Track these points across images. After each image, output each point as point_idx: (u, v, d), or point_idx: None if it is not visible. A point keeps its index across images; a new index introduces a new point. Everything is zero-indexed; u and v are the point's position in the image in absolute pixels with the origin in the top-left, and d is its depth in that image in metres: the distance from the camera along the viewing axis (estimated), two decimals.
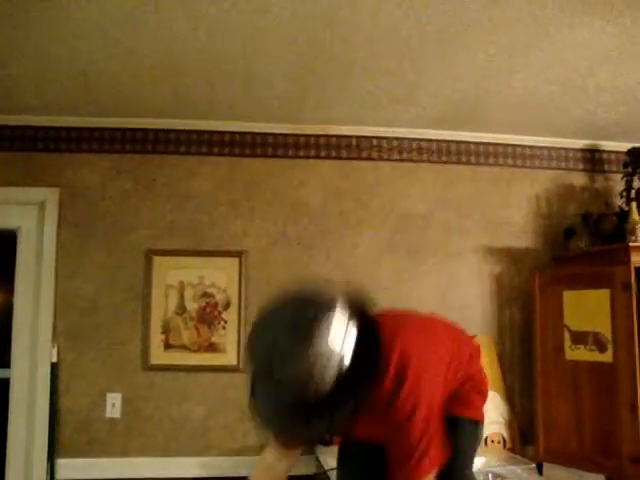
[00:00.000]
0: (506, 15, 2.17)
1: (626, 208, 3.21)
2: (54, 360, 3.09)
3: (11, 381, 3.12)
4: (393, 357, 1.46)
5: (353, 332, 1.27)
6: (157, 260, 3.17)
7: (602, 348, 3.00)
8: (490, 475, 2.39)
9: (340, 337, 1.23)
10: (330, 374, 1.20)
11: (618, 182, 3.41)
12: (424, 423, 1.44)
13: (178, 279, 3.18)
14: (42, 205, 3.20)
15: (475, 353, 1.85)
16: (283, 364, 1.19)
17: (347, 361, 1.23)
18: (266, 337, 1.25)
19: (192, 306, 3.17)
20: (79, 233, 3.18)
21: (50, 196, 3.19)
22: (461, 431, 1.70)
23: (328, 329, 1.22)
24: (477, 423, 1.79)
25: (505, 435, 3.25)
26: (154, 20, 2.20)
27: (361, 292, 1.40)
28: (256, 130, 3.29)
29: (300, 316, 1.25)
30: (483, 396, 1.83)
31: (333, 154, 3.35)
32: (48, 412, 3.05)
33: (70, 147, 3.23)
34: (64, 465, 3.04)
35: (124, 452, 3.10)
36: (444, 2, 2.09)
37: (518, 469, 2.43)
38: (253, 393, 1.32)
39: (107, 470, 3.06)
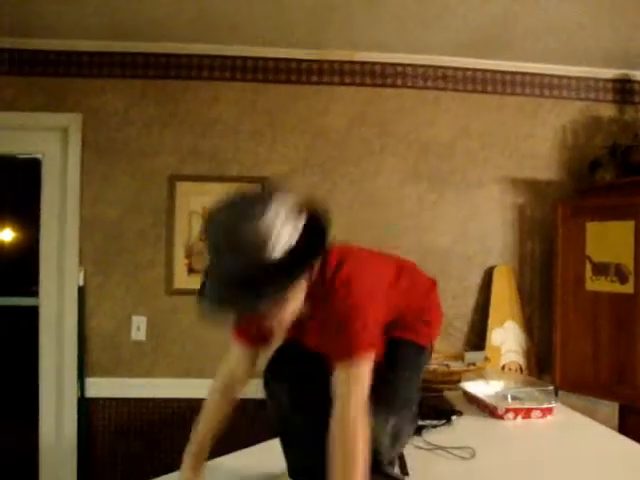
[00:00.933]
0: None
1: None
2: (81, 284, 3.15)
3: (40, 305, 3.20)
4: (334, 259, 1.48)
5: (302, 218, 1.36)
6: (180, 185, 3.19)
7: (623, 279, 3.00)
8: (509, 397, 2.44)
9: (289, 217, 1.32)
10: (276, 246, 1.28)
11: None
12: (363, 325, 1.43)
13: (201, 204, 3.19)
14: (65, 131, 3.20)
15: (431, 288, 1.85)
16: (236, 232, 1.27)
17: (293, 238, 1.32)
18: (219, 217, 1.33)
19: None
20: (103, 159, 3.19)
21: (73, 121, 3.18)
22: (401, 351, 1.68)
23: (277, 209, 1.30)
24: (420, 348, 1.74)
25: (522, 364, 3.31)
26: None
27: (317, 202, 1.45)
28: (280, 56, 3.24)
29: (255, 198, 1.36)
30: (430, 326, 1.79)
31: (357, 81, 3.30)
32: (76, 334, 3.14)
33: (92, 72, 3.21)
34: (93, 383, 3.15)
35: (149, 373, 3.20)
36: None
37: (536, 391, 2.48)
38: (206, 277, 1.40)
39: (133, 389, 3.17)
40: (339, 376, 1.41)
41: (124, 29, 3.04)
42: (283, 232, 1.29)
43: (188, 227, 3.19)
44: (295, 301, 1.40)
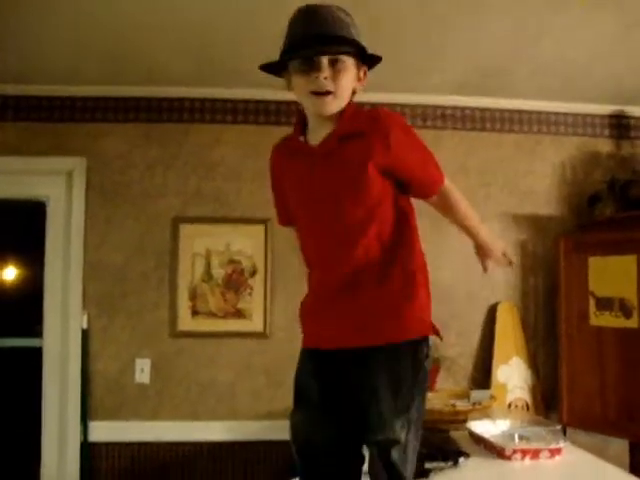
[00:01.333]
0: None
1: None
2: (85, 327, 3.16)
3: (44, 348, 3.20)
4: None
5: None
6: (184, 228, 3.21)
7: (628, 314, 3.00)
8: (516, 437, 2.41)
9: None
10: (356, 33, 1.52)
11: None
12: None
13: (205, 246, 3.22)
14: (70, 174, 3.25)
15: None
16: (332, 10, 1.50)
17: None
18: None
19: (219, 273, 3.22)
20: (107, 202, 3.23)
21: (78, 165, 3.23)
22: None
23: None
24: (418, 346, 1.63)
25: (529, 400, 3.28)
26: None
27: None
28: (281, 98, 3.29)
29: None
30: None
31: None
32: (80, 377, 3.13)
33: (96, 116, 3.26)
34: (96, 427, 3.13)
35: (153, 416, 3.18)
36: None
37: (543, 431, 2.45)
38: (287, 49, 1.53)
39: (137, 433, 3.15)
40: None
41: (126, 74, 3.10)
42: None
43: (191, 269, 3.21)
44: (349, 77, 1.51)
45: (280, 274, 3.24)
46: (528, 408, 3.27)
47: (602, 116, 3.52)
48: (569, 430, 3.13)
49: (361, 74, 1.57)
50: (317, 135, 1.57)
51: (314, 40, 1.46)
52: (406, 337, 1.51)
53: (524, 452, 2.26)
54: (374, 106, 3.30)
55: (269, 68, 1.59)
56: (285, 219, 1.77)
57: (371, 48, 1.54)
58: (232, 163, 3.29)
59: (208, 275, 3.21)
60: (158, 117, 3.28)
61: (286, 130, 3.30)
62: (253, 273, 3.22)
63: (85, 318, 3.16)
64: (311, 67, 1.48)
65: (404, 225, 1.58)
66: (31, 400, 3.22)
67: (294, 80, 1.54)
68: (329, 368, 1.58)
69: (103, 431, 3.13)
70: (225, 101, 3.30)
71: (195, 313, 3.19)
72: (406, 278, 1.53)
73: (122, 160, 3.25)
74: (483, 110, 3.44)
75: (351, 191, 1.51)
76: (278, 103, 3.31)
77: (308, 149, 1.58)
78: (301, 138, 1.61)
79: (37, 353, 3.22)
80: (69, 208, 3.23)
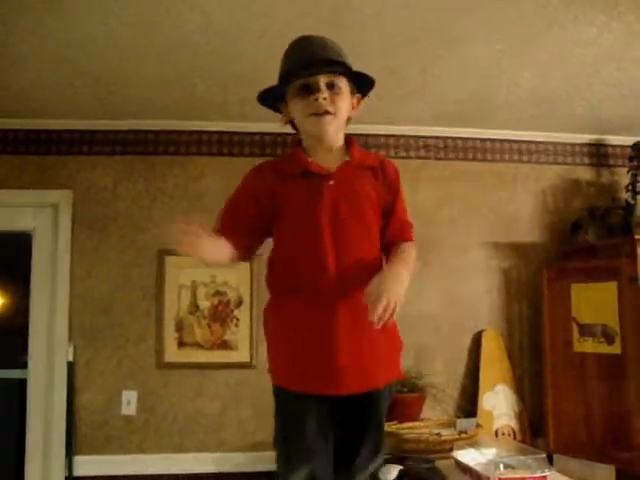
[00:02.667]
0: (512, 12, 2.21)
1: (632, 202, 3.24)
2: (70, 359, 3.14)
3: (28, 380, 3.18)
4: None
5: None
6: (169, 260, 3.22)
7: (610, 340, 3.03)
8: (501, 465, 2.42)
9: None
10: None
11: (624, 176, 3.42)
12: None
13: (190, 278, 3.23)
14: (56, 207, 3.26)
15: None
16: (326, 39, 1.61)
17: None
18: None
19: (204, 304, 3.23)
20: (93, 234, 3.24)
21: (64, 198, 3.24)
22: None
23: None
24: None
25: (515, 427, 3.29)
26: (167, 23, 2.25)
27: None
28: (266, 130, 3.33)
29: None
30: None
31: None
32: (65, 410, 3.11)
33: (82, 150, 3.29)
34: (82, 462, 3.09)
35: (140, 449, 3.15)
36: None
37: (529, 459, 2.46)
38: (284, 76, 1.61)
39: (123, 466, 3.11)
40: (405, 245, 1.67)
41: (113, 108, 3.13)
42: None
43: (178, 301, 3.21)
44: (346, 100, 1.59)
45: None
46: (515, 435, 3.28)
47: (581, 145, 3.59)
48: (556, 456, 3.13)
49: (354, 101, 1.64)
50: (322, 161, 1.61)
51: (312, 63, 1.53)
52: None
53: None
54: (359, 137, 3.37)
55: (264, 100, 1.65)
56: (228, 229, 1.63)
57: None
58: (217, 195, 3.31)
59: (194, 307, 3.22)
60: (144, 150, 3.31)
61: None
62: (239, 304, 3.23)
63: (71, 350, 3.15)
64: (309, 90, 1.54)
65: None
66: (14, 433, 3.19)
67: (292, 105, 1.59)
68: (340, 411, 1.62)
69: (88, 465, 3.09)
70: (210, 133, 3.34)
71: (181, 344, 3.19)
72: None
73: (108, 193, 3.27)
74: (465, 140, 3.50)
75: (363, 219, 1.61)
76: (263, 135, 3.36)
77: (323, 172, 1.60)
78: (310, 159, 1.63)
79: (22, 385, 3.20)
80: (55, 240, 3.23)
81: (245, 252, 1.65)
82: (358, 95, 1.66)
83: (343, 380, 1.55)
